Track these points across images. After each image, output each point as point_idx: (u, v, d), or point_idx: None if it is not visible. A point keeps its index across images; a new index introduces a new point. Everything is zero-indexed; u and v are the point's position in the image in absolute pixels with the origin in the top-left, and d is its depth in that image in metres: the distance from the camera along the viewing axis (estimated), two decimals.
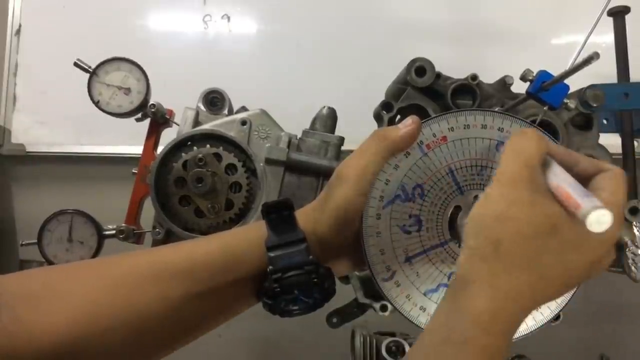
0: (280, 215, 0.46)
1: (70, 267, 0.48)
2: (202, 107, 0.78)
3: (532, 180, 0.38)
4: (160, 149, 0.75)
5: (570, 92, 0.61)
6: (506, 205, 0.37)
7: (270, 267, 0.44)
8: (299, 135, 0.76)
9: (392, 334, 0.88)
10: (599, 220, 0.34)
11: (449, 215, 0.47)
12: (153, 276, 0.44)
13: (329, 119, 0.76)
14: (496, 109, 0.68)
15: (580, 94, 0.71)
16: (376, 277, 0.47)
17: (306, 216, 0.47)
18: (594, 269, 0.40)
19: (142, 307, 0.43)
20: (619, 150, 0.79)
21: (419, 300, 0.47)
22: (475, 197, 0.46)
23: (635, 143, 0.81)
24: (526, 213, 0.37)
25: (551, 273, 0.37)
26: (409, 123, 0.45)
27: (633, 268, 0.67)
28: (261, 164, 0.73)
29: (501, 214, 0.37)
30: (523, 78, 0.60)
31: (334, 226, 0.45)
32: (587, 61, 0.48)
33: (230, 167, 0.73)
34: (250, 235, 0.47)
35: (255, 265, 0.45)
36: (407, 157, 0.46)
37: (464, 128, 0.46)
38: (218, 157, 0.72)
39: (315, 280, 0.45)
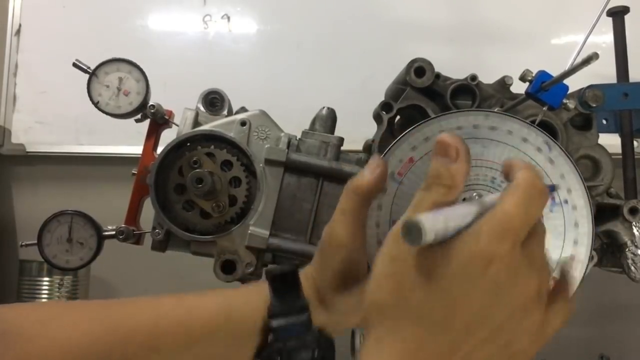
0: (284, 282, 0.46)
1: (78, 303, 0.50)
2: (202, 108, 0.78)
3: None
4: (160, 149, 0.75)
5: (569, 92, 0.61)
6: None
7: (271, 336, 0.44)
8: (299, 136, 0.76)
9: None
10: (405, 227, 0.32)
11: None
12: (148, 327, 0.45)
13: (329, 119, 0.76)
14: (495, 109, 0.68)
15: (580, 94, 0.71)
16: None
17: (305, 275, 0.47)
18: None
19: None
20: (619, 150, 0.79)
21: None
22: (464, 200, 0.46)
23: (635, 143, 0.81)
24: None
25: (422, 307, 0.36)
26: (374, 167, 0.44)
27: (633, 268, 0.67)
28: (261, 165, 0.73)
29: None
30: (522, 78, 0.60)
31: (337, 288, 0.46)
32: (587, 61, 0.48)
33: (226, 164, 0.72)
34: (251, 298, 0.47)
35: (255, 330, 0.46)
36: (384, 194, 0.46)
37: (424, 140, 0.45)
38: (211, 156, 0.72)
39: (316, 352, 0.45)
